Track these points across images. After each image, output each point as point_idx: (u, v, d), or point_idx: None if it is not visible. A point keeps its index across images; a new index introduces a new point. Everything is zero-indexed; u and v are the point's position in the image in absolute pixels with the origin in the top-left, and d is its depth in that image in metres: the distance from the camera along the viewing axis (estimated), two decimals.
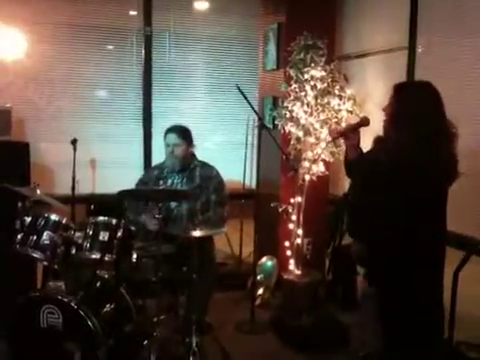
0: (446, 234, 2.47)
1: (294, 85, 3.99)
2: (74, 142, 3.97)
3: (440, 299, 2.46)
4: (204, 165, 3.63)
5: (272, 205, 4.24)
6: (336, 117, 3.97)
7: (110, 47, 4.76)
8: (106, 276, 3.12)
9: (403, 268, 2.35)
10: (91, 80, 4.67)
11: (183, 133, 3.55)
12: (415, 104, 2.33)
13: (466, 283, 3.13)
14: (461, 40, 3.32)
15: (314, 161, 4.05)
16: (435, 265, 2.42)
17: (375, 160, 2.36)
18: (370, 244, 2.42)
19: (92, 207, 4.01)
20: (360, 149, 2.51)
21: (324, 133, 3.96)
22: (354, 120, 3.02)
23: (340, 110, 3.97)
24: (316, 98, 3.95)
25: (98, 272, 3.08)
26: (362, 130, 2.55)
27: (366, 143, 2.55)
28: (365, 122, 2.53)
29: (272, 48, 4.53)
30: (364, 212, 2.38)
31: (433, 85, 2.38)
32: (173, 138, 3.52)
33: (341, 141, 3.79)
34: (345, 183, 4.13)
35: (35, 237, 2.97)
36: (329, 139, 3.88)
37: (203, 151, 3.84)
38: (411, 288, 2.36)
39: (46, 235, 2.97)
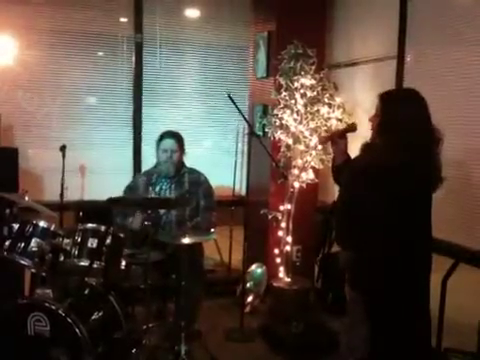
0: (431, 240, 2.49)
1: (284, 93, 4.02)
2: (63, 148, 3.97)
3: (427, 305, 2.47)
4: (192, 171, 3.66)
5: (262, 212, 4.25)
6: (325, 125, 4.00)
7: (100, 53, 4.76)
8: (94, 283, 3.08)
9: (389, 274, 2.36)
10: (81, 86, 4.66)
11: (180, 139, 3.59)
12: (401, 111, 2.36)
13: (454, 290, 3.15)
14: (449, 50, 3.36)
15: (304, 168, 4.07)
16: (421, 271, 2.43)
17: (361, 166, 2.38)
18: (356, 250, 2.43)
19: (81, 214, 3.98)
20: (347, 154, 2.55)
21: (314, 141, 3.99)
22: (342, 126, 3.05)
23: (329, 118, 4.00)
24: (306, 106, 3.98)
25: (86, 279, 3.05)
26: (350, 137, 2.58)
27: (354, 150, 2.57)
28: (352, 128, 2.59)
29: (262, 56, 4.55)
30: (350, 218, 2.40)
31: (419, 92, 2.41)
32: (171, 143, 3.55)
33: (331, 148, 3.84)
34: (334, 191, 4.14)
35: (23, 244, 2.93)
36: (319, 146, 3.93)
37: (193, 158, 3.84)
38: (397, 294, 2.37)
39: (34, 242, 2.94)
